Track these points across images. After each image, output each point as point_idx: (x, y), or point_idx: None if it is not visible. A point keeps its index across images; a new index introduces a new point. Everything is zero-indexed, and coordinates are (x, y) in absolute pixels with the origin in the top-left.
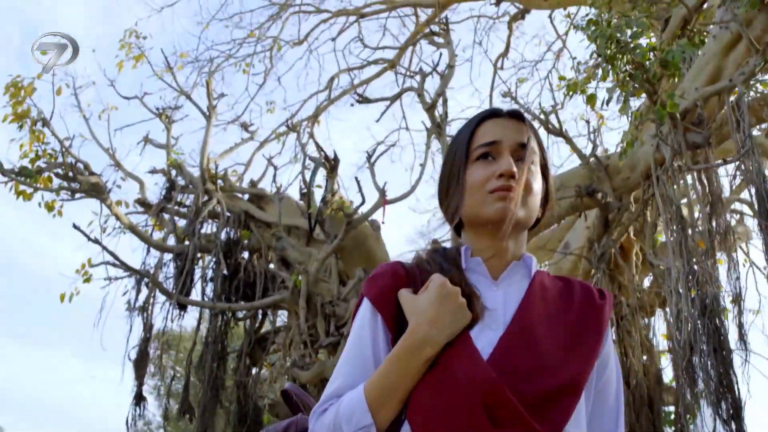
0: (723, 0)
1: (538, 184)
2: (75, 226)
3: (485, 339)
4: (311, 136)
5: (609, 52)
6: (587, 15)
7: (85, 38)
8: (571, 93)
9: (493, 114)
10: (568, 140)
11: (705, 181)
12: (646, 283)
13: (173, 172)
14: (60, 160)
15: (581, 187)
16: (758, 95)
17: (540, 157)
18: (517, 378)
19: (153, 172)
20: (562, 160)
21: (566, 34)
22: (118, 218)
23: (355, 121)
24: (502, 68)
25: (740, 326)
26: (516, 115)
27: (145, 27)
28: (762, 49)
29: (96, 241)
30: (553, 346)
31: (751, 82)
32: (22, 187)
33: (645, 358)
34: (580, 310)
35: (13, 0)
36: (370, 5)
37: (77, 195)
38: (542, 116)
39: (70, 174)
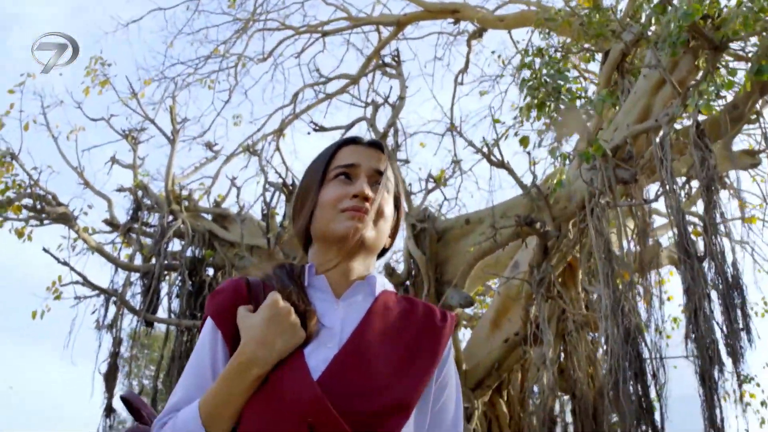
0: (649, 44)
1: (389, 210)
2: (45, 250)
3: (319, 357)
4: (277, 149)
5: (537, 99)
6: (524, 54)
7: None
8: (505, 135)
9: (353, 141)
10: (510, 171)
11: (633, 215)
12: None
13: (140, 193)
14: (29, 191)
15: (520, 217)
16: (680, 136)
17: (394, 188)
18: (347, 397)
19: (120, 190)
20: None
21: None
22: (85, 242)
23: (318, 137)
24: (462, 83)
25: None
26: (375, 145)
27: (112, 41)
28: (683, 93)
29: (65, 263)
30: (386, 366)
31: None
32: None
33: (590, 369)
34: (417, 330)
35: None
36: (333, 21)
37: (46, 222)
38: (485, 149)
39: (39, 206)
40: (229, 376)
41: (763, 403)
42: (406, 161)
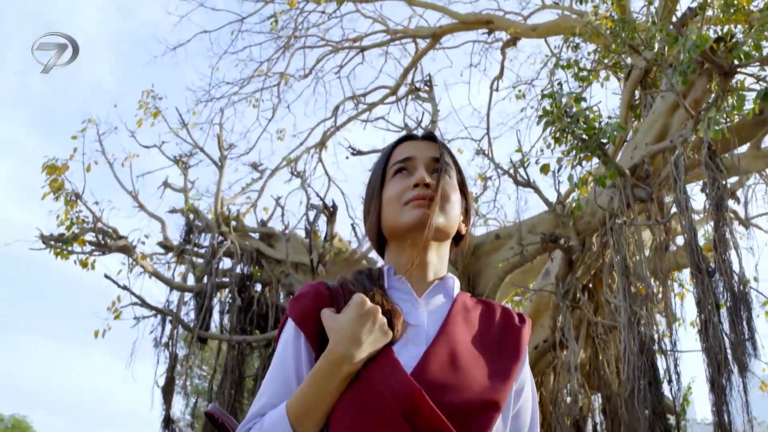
0: (663, 69)
1: (456, 195)
2: (106, 276)
3: (408, 354)
4: (320, 160)
5: (553, 134)
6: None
7: (100, 35)
8: (527, 160)
9: (407, 138)
10: (536, 190)
11: (652, 229)
12: None
13: (191, 216)
14: (92, 226)
15: (545, 235)
16: (694, 155)
17: (457, 174)
18: (441, 392)
19: (172, 211)
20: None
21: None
22: (143, 267)
23: (365, 142)
24: (497, 90)
25: (675, 362)
26: (429, 137)
27: (160, 64)
28: (695, 117)
29: (125, 288)
30: (474, 364)
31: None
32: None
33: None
34: (499, 331)
35: (28, 2)
36: (371, 34)
37: (107, 253)
38: (512, 170)
39: (102, 240)
40: (319, 375)
41: None
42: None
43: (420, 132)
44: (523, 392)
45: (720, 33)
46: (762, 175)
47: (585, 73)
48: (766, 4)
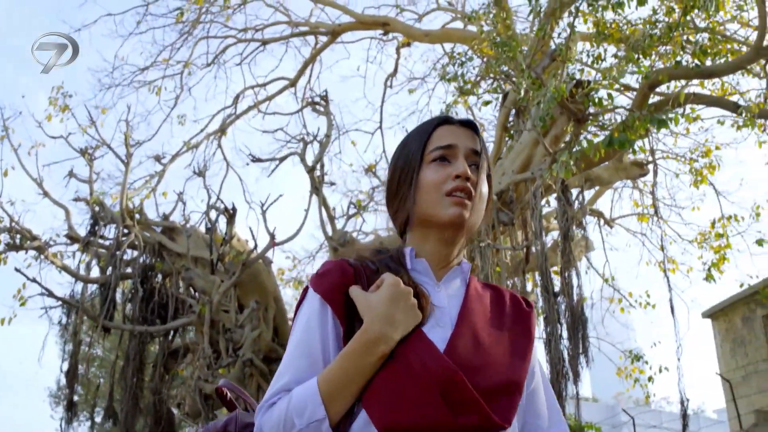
0: (529, 108)
1: (486, 190)
2: (17, 270)
3: (436, 336)
4: (219, 147)
5: None
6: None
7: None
8: None
9: (446, 120)
10: None
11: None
12: None
13: (96, 208)
14: (6, 225)
15: None
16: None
17: (487, 167)
18: (471, 372)
19: (77, 200)
20: None
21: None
22: (53, 263)
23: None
24: (391, 86)
25: None
26: (468, 124)
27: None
28: (552, 155)
29: (34, 280)
30: (495, 346)
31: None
32: None
33: None
34: (512, 314)
35: None
36: (273, 25)
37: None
38: None
39: (18, 240)
40: (354, 353)
41: (650, 378)
42: (332, 183)
43: (298, 169)
44: (535, 372)
45: (581, 76)
46: (635, 183)
47: (469, 86)
48: (623, 56)
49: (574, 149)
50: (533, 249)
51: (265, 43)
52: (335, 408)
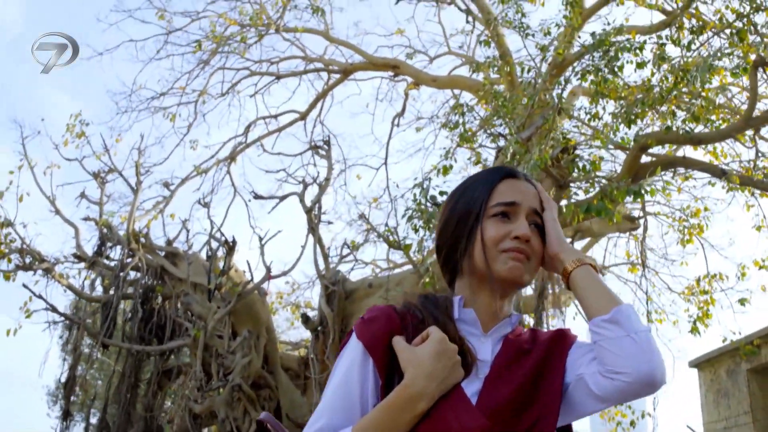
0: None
1: (540, 248)
2: (25, 286)
3: (474, 388)
4: (228, 173)
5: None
6: None
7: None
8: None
9: (511, 174)
10: (406, 254)
11: None
12: None
13: (104, 230)
14: (20, 247)
15: (407, 293)
16: None
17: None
18: (501, 417)
19: (86, 219)
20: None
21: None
22: (59, 282)
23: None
24: (398, 125)
25: None
26: (530, 180)
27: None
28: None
29: (40, 297)
30: (529, 392)
31: None
32: None
33: None
34: (545, 350)
35: None
36: (288, 59)
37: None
38: (387, 233)
39: (27, 261)
40: (393, 407)
41: (632, 423)
42: (329, 222)
43: (297, 209)
44: (579, 366)
45: (578, 130)
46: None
47: (470, 133)
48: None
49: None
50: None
51: (279, 77)
52: None
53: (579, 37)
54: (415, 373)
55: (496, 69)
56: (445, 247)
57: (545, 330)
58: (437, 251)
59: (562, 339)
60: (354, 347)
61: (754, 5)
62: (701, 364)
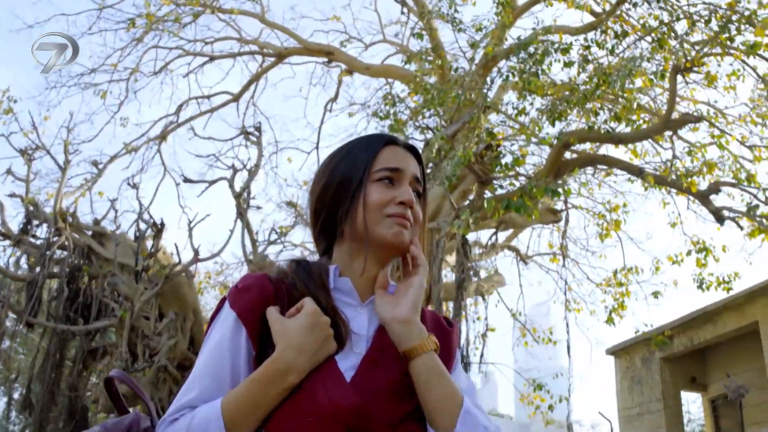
0: (440, 165)
1: (421, 217)
2: None
3: (349, 362)
4: (158, 152)
5: None
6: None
7: None
8: None
9: (393, 141)
10: None
11: None
12: None
13: (30, 208)
14: None
15: None
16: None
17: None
18: (377, 399)
19: (12, 195)
20: None
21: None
22: None
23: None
24: (331, 111)
25: None
26: (412, 149)
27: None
28: (456, 211)
29: None
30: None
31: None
32: None
33: None
34: (431, 333)
35: None
36: (222, 39)
37: None
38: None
39: None
40: (262, 380)
41: (550, 407)
42: (258, 208)
43: (227, 194)
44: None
45: (492, 139)
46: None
47: (399, 124)
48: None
49: (474, 214)
50: (433, 290)
51: (213, 58)
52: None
53: (508, 37)
54: (284, 345)
55: (428, 61)
56: (324, 211)
57: (426, 309)
58: (314, 215)
59: (447, 339)
60: (226, 316)
61: (675, 14)
62: (618, 351)
